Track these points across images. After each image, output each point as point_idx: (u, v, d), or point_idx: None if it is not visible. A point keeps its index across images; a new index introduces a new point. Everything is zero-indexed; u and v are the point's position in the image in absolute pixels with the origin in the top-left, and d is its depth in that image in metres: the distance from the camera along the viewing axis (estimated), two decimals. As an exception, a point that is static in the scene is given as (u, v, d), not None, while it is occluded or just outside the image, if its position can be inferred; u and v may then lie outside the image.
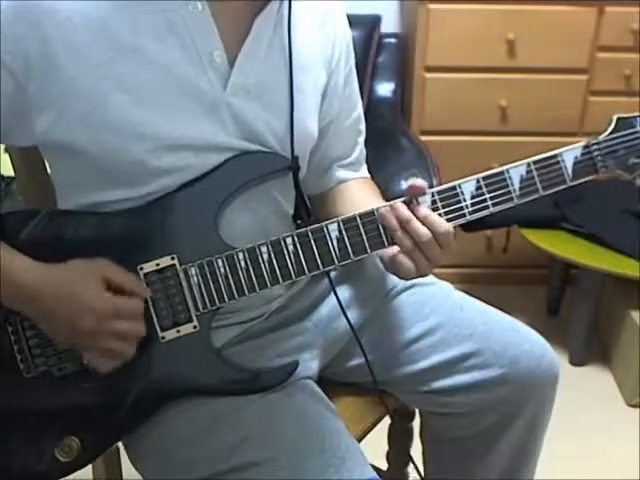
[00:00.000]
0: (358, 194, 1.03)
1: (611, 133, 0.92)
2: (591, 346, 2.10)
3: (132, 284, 0.81)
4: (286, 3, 0.87)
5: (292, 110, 0.88)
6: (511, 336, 1.00)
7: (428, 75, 2.13)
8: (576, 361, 2.07)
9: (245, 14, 0.85)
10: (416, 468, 1.13)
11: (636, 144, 0.92)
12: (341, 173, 1.05)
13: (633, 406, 1.91)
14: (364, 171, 1.10)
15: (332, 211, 1.01)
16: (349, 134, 1.04)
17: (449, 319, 1.01)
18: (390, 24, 2.34)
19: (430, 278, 1.08)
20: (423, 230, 0.83)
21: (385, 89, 2.21)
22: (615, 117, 0.92)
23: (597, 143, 0.91)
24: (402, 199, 0.86)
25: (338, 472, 0.78)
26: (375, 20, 2.21)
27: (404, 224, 0.84)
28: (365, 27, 2.16)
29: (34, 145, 0.85)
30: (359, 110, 1.05)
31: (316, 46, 0.93)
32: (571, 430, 1.71)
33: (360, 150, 1.07)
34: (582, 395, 1.91)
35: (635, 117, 0.92)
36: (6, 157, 0.99)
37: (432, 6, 2.05)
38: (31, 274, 0.78)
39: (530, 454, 1.06)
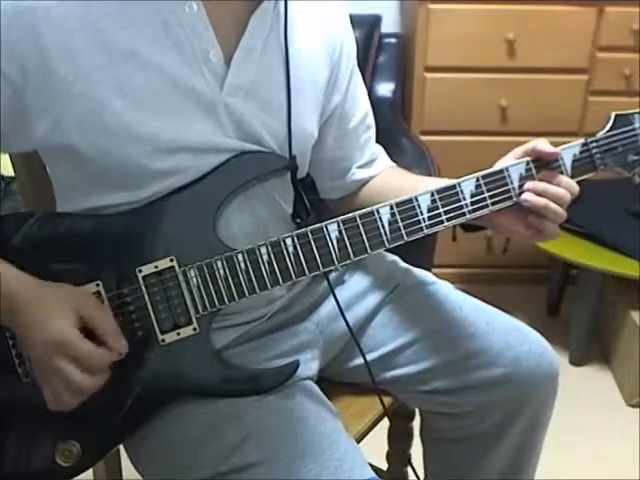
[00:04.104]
0: (398, 182, 1.03)
1: (609, 130, 0.92)
2: (591, 346, 2.10)
3: (107, 333, 0.77)
4: (282, 2, 0.87)
5: (290, 109, 0.88)
6: (512, 336, 1.00)
7: (428, 75, 2.13)
8: (576, 361, 2.07)
9: (241, 12, 0.84)
10: (414, 471, 1.13)
11: (634, 141, 0.92)
12: (362, 174, 1.06)
13: (633, 406, 1.91)
14: (386, 161, 1.10)
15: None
16: (358, 132, 1.04)
17: (450, 319, 1.01)
18: (390, 24, 2.34)
19: (430, 278, 1.08)
20: (563, 192, 0.87)
21: (385, 89, 2.21)
22: (613, 114, 0.92)
23: (595, 140, 0.91)
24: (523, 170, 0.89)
25: (337, 473, 0.78)
26: (375, 20, 2.20)
27: (546, 195, 0.87)
28: (365, 27, 2.15)
29: (34, 150, 0.85)
30: (366, 108, 1.05)
31: (316, 43, 0.93)
32: (571, 430, 1.71)
33: (373, 145, 1.08)
34: (582, 395, 1.91)
35: (633, 114, 0.92)
36: (6, 157, 0.99)
37: (432, 6, 2.05)
38: (15, 284, 0.76)
39: (531, 454, 1.06)
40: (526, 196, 0.88)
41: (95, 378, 0.75)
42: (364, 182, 1.06)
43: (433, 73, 2.13)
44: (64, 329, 0.74)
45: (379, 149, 1.10)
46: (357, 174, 1.05)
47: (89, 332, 0.76)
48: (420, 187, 0.88)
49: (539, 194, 0.87)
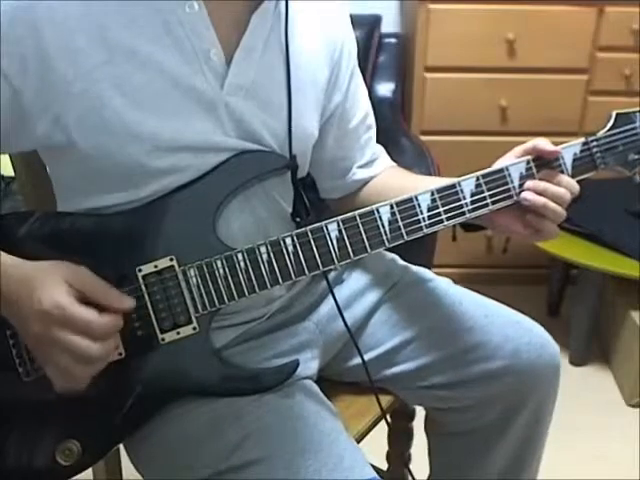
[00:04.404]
0: (398, 182, 1.04)
1: (610, 129, 0.92)
2: (591, 346, 2.10)
3: (107, 297, 0.76)
4: (283, 1, 0.87)
5: (290, 109, 0.88)
6: (511, 328, 1.00)
7: (428, 75, 2.13)
8: (576, 361, 2.07)
9: (242, 12, 0.84)
10: (410, 473, 1.13)
11: (635, 140, 0.92)
12: (363, 173, 1.06)
13: (633, 406, 1.91)
14: (386, 161, 1.10)
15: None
16: (359, 132, 1.04)
17: (449, 314, 1.01)
18: (390, 24, 2.34)
19: (429, 275, 1.08)
20: (563, 191, 0.87)
21: (385, 89, 2.21)
22: (614, 113, 0.92)
23: (596, 139, 0.91)
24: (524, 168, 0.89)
25: (336, 469, 0.79)
26: (375, 20, 2.21)
27: (546, 194, 0.87)
28: (365, 27, 2.16)
29: (34, 150, 0.85)
30: (366, 108, 1.05)
31: (317, 43, 0.93)
32: (571, 430, 1.71)
33: (374, 145, 1.08)
34: (582, 395, 1.91)
35: (634, 113, 0.92)
36: (6, 157, 0.99)
37: (432, 6, 2.05)
38: (6, 272, 0.74)
39: (535, 446, 1.06)
40: (526, 195, 0.88)
41: (101, 345, 0.73)
42: (364, 182, 1.07)
43: (433, 73, 2.13)
44: (55, 296, 0.72)
45: (380, 149, 1.10)
46: (358, 174, 1.06)
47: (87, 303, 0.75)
48: (420, 187, 0.88)
49: (539, 193, 0.87)
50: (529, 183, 0.88)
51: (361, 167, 1.06)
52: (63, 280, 0.74)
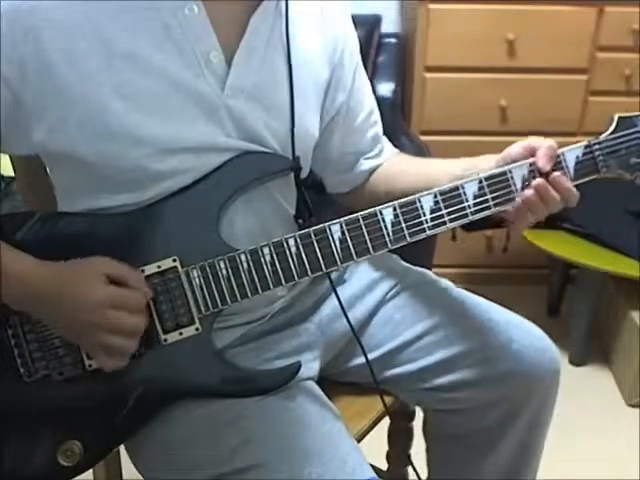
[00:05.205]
0: (410, 167, 1.05)
1: (612, 133, 0.92)
2: (591, 346, 2.10)
3: (134, 279, 0.80)
4: (283, 1, 0.87)
5: (292, 110, 0.88)
6: (513, 331, 1.00)
7: (428, 75, 2.13)
8: (576, 361, 2.07)
9: (242, 13, 0.84)
10: (415, 471, 1.13)
11: (637, 144, 0.92)
12: (369, 163, 1.06)
13: (633, 406, 1.91)
14: (391, 149, 1.10)
15: (383, 197, 0.93)
16: (364, 129, 1.04)
17: (452, 315, 1.02)
18: (390, 24, 2.34)
19: (431, 276, 1.08)
20: (557, 197, 0.88)
21: (385, 89, 2.21)
22: (616, 116, 0.92)
23: (598, 143, 0.91)
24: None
25: (338, 473, 0.79)
26: (375, 20, 2.21)
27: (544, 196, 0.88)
28: (365, 27, 2.15)
29: (34, 153, 0.85)
30: (371, 105, 1.05)
31: (317, 43, 0.93)
32: (571, 430, 1.71)
33: (380, 139, 1.08)
34: (582, 395, 1.92)
35: (637, 116, 0.92)
36: (6, 157, 0.98)
37: (432, 6, 2.05)
38: (33, 273, 0.78)
39: (533, 451, 1.07)
40: (529, 195, 0.88)
41: (140, 316, 0.79)
42: (371, 171, 1.06)
43: (433, 73, 2.13)
44: (96, 289, 0.77)
45: (384, 140, 1.09)
46: (364, 164, 1.06)
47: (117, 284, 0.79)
48: (436, 169, 0.95)
49: (539, 192, 0.87)
50: (537, 182, 0.88)
51: (368, 158, 1.06)
52: (100, 273, 0.78)
